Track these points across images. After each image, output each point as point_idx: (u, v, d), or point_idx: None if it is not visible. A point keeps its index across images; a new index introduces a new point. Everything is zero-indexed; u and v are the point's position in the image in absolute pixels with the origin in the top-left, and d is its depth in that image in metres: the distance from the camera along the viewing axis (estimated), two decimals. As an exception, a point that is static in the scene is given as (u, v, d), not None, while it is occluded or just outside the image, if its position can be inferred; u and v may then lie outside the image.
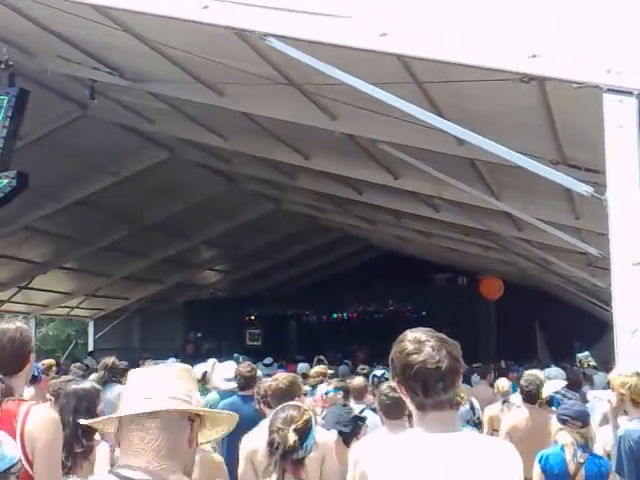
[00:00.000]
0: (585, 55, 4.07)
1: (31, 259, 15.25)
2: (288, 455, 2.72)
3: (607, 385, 7.22)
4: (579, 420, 4.45)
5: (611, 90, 3.88)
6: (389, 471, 1.94)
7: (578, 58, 4.06)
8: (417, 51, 4.50)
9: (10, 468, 2.46)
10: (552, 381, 6.37)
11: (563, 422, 4.47)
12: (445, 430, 1.97)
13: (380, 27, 4.43)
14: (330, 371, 8.94)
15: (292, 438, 2.72)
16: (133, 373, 1.84)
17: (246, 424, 5.78)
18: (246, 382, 6.27)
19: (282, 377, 4.73)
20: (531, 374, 6.05)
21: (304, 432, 2.73)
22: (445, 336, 2.05)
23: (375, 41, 4.44)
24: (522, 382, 5.94)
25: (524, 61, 4.15)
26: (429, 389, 1.95)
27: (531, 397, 5.83)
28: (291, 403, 3.08)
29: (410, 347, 1.99)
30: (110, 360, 7.54)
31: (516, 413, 5.96)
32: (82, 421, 2.30)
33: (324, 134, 7.67)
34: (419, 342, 1.99)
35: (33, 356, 2.95)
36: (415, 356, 1.97)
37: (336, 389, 6.37)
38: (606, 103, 3.89)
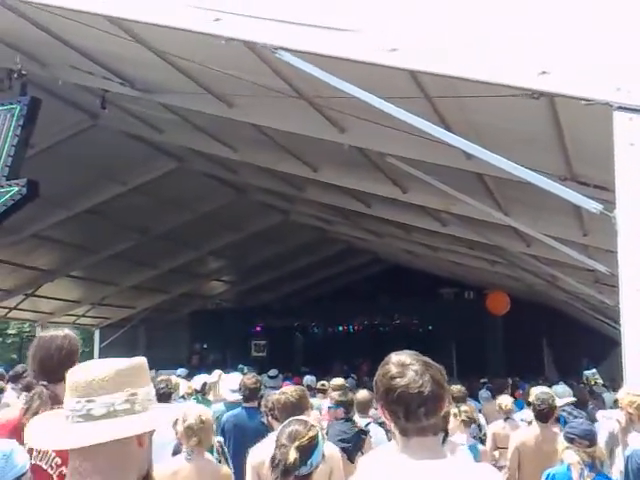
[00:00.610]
0: (595, 72, 4.06)
1: (39, 267, 15.29)
2: (290, 472, 2.70)
3: (614, 404, 7.18)
4: (586, 439, 4.41)
5: (621, 108, 3.87)
6: None
7: (588, 75, 4.05)
8: (427, 66, 4.51)
9: (20, 477, 2.47)
10: (560, 399, 6.32)
11: (570, 441, 4.44)
12: (429, 457, 1.93)
13: (390, 42, 4.44)
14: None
15: (293, 456, 2.68)
16: (68, 378, 1.71)
17: (251, 436, 5.79)
18: (251, 394, 6.25)
19: (291, 390, 4.70)
20: (544, 392, 5.99)
21: (308, 449, 2.69)
22: (430, 360, 2.03)
23: (385, 56, 4.45)
24: (534, 400, 5.87)
25: (534, 77, 4.14)
26: (410, 414, 1.93)
27: (543, 416, 5.76)
28: (298, 418, 3.06)
29: (394, 370, 1.98)
30: None
31: (527, 430, 5.93)
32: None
33: (333, 147, 7.69)
34: (403, 365, 1.98)
35: None
36: (398, 380, 1.95)
37: (337, 405, 6.29)
38: (616, 121, 3.87)
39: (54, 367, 2.77)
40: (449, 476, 1.91)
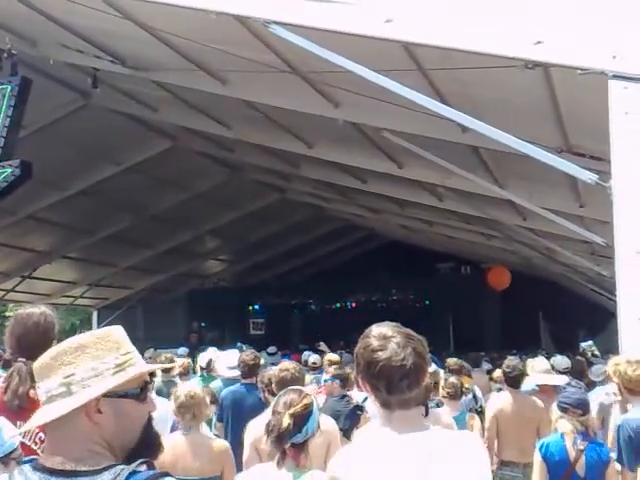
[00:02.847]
0: (590, 41, 4.03)
1: (35, 248, 15.27)
2: (284, 438, 2.72)
3: (602, 375, 7.23)
4: (579, 408, 4.45)
5: (616, 76, 3.84)
6: (357, 473, 1.91)
7: (583, 44, 4.03)
8: (421, 38, 4.47)
9: (10, 453, 2.47)
10: (547, 376, 6.33)
11: (564, 410, 4.48)
12: (412, 429, 1.93)
13: (384, 13, 4.40)
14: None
15: (286, 421, 2.71)
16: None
17: (249, 411, 5.84)
18: (249, 370, 6.30)
19: (292, 367, 4.75)
20: (512, 359, 6.13)
21: (302, 416, 2.72)
22: (411, 332, 2.00)
23: (380, 28, 4.41)
24: (505, 368, 6.01)
25: (528, 47, 4.11)
26: (393, 387, 1.92)
27: (515, 382, 5.91)
28: (293, 387, 3.09)
29: (375, 343, 1.96)
30: None
31: (501, 397, 6.04)
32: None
33: (328, 123, 7.65)
34: (384, 338, 1.96)
35: (55, 343, 2.96)
36: (379, 353, 1.93)
37: (332, 377, 6.35)
38: (611, 89, 3.85)
39: (31, 343, 2.78)
40: (430, 447, 1.92)
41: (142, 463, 1.59)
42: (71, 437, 1.62)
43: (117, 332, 1.76)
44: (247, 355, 6.47)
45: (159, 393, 6.46)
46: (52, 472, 1.59)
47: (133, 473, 1.56)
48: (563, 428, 4.40)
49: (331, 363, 7.83)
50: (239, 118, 9.27)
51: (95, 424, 1.63)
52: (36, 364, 1.69)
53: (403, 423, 1.94)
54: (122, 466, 1.58)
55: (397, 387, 1.91)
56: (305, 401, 2.76)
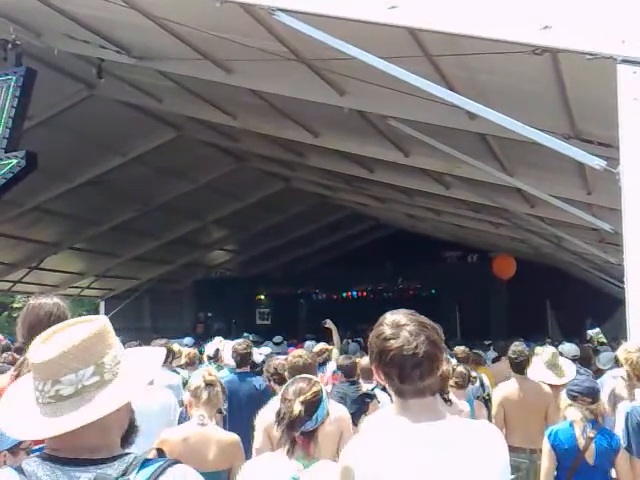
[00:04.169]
0: (599, 25, 3.99)
1: (42, 240, 15.31)
2: (295, 426, 2.71)
3: (609, 362, 7.18)
4: (589, 396, 4.43)
5: (625, 61, 3.80)
6: (372, 463, 1.89)
7: (591, 29, 3.98)
8: (427, 23, 4.43)
9: (19, 444, 2.47)
10: (549, 373, 6.27)
11: (573, 398, 4.46)
12: (428, 418, 1.91)
13: (389, -1, 4.36)
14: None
15: (297, 408, 2.70)
16: (29, 358, 1.62)
17: (246, 400, 5.89)
18: (242, 359, 6.37)
19: (304, 353, 4.76)
20: (518, 345, 6.06)
21: (312, 404, 2.71)
22: (426, 319, 1.97)
23: (384, 14, 4.37)
24: (510, 354, 5.95)
25: (536, 32, 4.07)
26: (405, 376, 1.89)
27: (521, 368, 5.86)
28: (302, 376, 3.08)
29: (388, 332, 1.94)
30: None
31: (507, 384, 5.99)
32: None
33: (334, 111, 7.61)
34: (397, 326, 1.93)
35: None
36: (392, 342, 1.91)
37: (337, 369, 6.29)
38: (620, 74, 3.81)
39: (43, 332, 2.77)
40: (447, 436, 1.90)
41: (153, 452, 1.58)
42: (98, 427, 1.56)
43: (106, 320, 1.70)
44: (239, 345, 6.53)
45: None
46: (64, 462, 1.54)
47: (146, 461, 1.56)
48: (572, 416, 4.38)
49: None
50: (244, 107, 9.24)
51: (124, 412, 1.63)
52: (48, 357, 1.56)
53: (418, 412, 1.92)
54: (133, 454, 1.58)
55: (409, 376, 1.89)
56: (314, 389, 2.75)
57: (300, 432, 2.66)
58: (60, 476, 1.52)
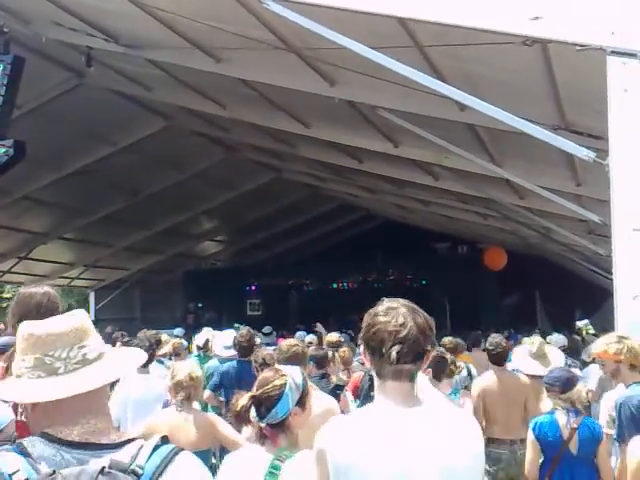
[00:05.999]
0: (588, 17, 3.98)
1: (31, 229, 15.22)
2: (241, 419, 2.68)
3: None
4: (556, 386, 4.43)
5: (615, 52, 3.80)
6: (343, 444, 1.92)
7: (581, 20, 3.98)
8: (417, 13, 4.41)
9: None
10: (534, 363, 6.28)
11: (547, 389, 4.49)
12: (404, 403, 1.94)
13: (380, -11, 4.34)
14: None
15: (241, 403, 2.65)
16: (23, 338, 1.66)
17: (247, 387, 5.89)
18: (244, 350, 6.47)
19: (300, 342, 4.87)
20: (495, 336, 6.05)
21: (269, 398, 2.62)
22: (421, 310, 2.03)
23: (375, 3, 4.36)
24: (488, 345, 5.93)
25: (526, 23, 4.06)
26: (384, 353, 1.93)
27: (499, 359, 5.84)
28: (275, 367, 3.08)
29: (380, 310, 2.01)
30: None
31: (486, 376, 5.97)
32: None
33: (324, 102, 7.58)
34: (390, 308, 2.00)
35: None
36: (380, 317, 1.98)
37: (310, 359, 6.30)
38: (610, 66, 3.81)
39: None
40: (422, 423, 1.92)
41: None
42: (96, 408, 1.58)
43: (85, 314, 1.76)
44: (242, 336, 6.63)
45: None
46: (72, 445, 1.51)
47: (156, 447, 1.56)
48: (546, 407, 4.41)
49: (330, 344, 7.80)
50: (234, 97, 9.20)
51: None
52: (57, 331, 1.63)
53: (395, 396, 1.95)
54: (141, 440, 1.58)
55: (387, 353, 1.92)
56: (276, 382, 2.65)
57: (266, 424, 2.62)
58: (69, 460, 1.49)
